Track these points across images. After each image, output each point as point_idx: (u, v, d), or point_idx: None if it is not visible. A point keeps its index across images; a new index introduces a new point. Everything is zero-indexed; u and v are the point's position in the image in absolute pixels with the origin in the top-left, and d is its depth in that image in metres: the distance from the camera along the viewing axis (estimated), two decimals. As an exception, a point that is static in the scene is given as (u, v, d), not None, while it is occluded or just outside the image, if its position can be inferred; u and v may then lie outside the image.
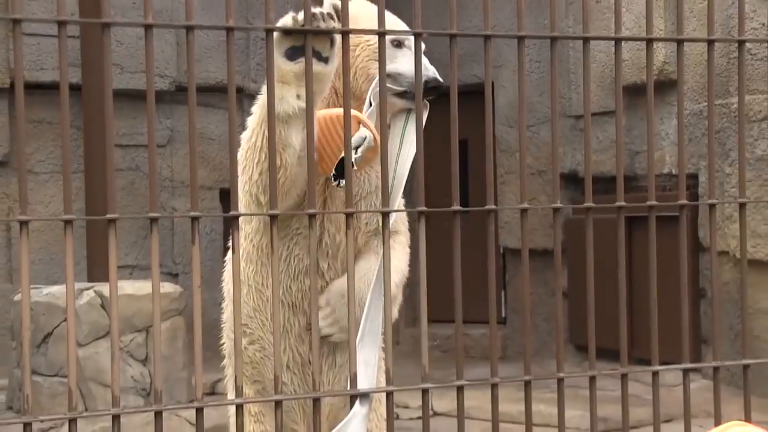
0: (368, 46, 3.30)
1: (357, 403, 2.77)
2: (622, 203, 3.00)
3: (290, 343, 3.30)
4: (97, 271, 7.68)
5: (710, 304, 8.34)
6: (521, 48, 2.85)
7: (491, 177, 2.87)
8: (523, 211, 2.85)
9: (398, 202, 3.12)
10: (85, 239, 8.05)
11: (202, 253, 2.62)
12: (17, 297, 7.32)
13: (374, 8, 2.81)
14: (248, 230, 3.39)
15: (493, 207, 2.86)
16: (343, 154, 2.95)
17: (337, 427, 2.77)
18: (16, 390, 7.53)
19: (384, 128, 2.83)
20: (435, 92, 3.21)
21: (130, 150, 10.95)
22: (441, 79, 3.22)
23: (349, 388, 2.74)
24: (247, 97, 9.02)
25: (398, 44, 3.26)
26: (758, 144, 7.96)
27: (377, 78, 3.06)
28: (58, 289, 7.42)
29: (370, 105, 3.17)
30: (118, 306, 2.53)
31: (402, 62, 3.24)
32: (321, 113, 3.09)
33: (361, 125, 3.10)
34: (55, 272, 10.30)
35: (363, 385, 2.83)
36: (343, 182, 2.99)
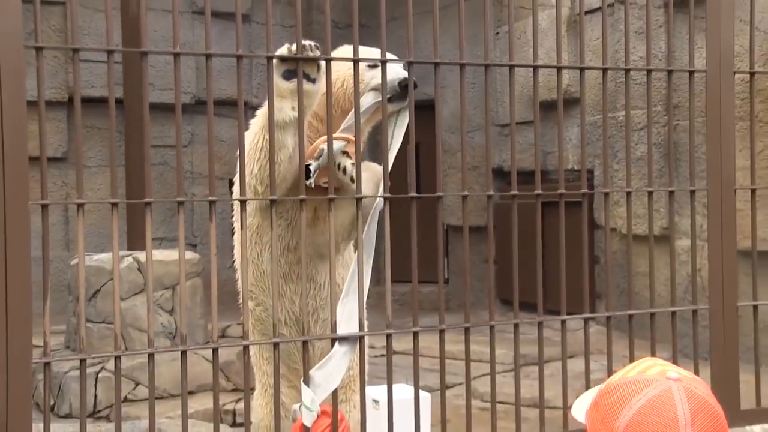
0: (351, 75, 3.10)
1: (336, 344, 2.78)
2: (539, 191, 3.02)
3: (285, 305, 3.19)
4: (135, 242, 7.63)
5: (603, 268, 8.43)
6: (462, 73, 2.85)
7: (439, 171, 2.88)
8: (464, 197, 2.86)
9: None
10: (126, 218, 7.99)
11: (216, 228, 2.60)
12: (74, 262, 7.25)
13: (351, 49, 2.80)
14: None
15: (441, 194, 2.86)
16: (308, 162, 2.92)
17: (320, 363, 2.77)
18: (72, 333, 7.47)
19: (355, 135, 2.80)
20: (406, 90, 2.99)
21: (160, 149, 10.87)
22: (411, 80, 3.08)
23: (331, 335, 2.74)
24: (250, 109, 8.94)
25: (374, 66, 3.05)
26: (638, 147, 8.01)
27: (367, 98, 3.00)
28: (105, 256, 7.35)
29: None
30: (152, 269, 2.51)
31: (380, 76, 3.02)
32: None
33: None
34: (102, 243, 10.20)
35: (345, 330, 2.82)
36: (310, 181, 2.94)
